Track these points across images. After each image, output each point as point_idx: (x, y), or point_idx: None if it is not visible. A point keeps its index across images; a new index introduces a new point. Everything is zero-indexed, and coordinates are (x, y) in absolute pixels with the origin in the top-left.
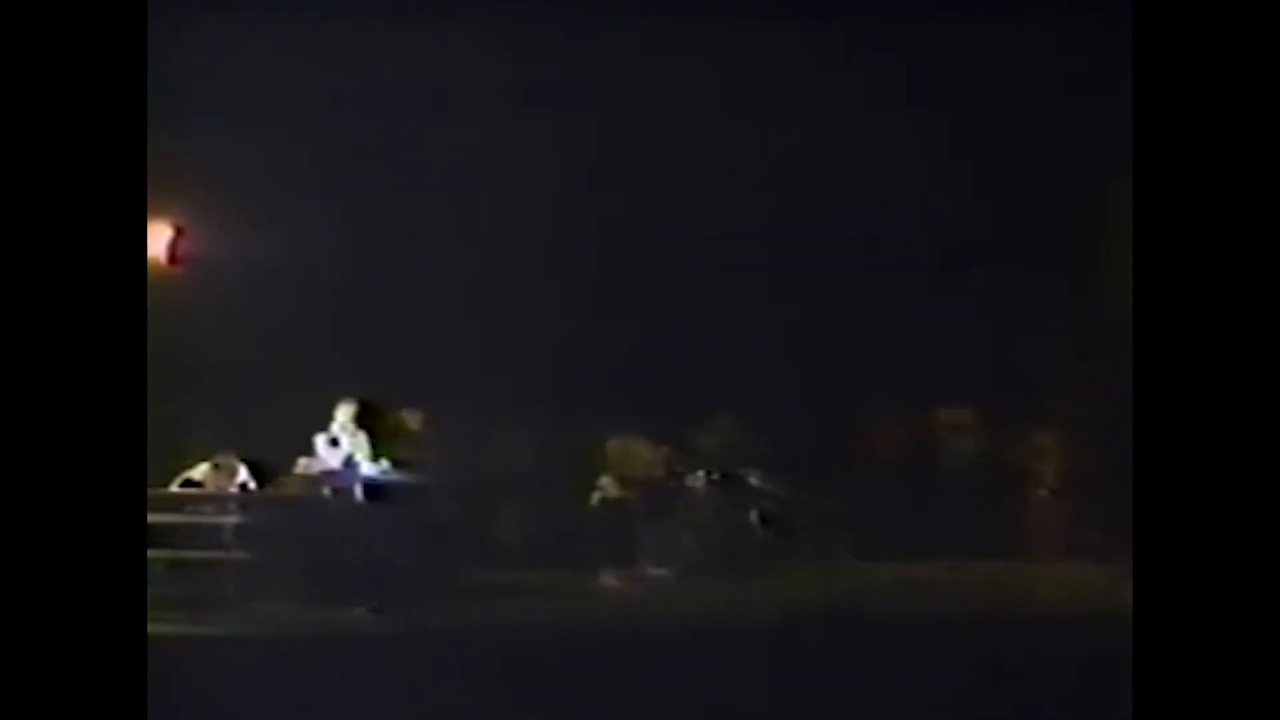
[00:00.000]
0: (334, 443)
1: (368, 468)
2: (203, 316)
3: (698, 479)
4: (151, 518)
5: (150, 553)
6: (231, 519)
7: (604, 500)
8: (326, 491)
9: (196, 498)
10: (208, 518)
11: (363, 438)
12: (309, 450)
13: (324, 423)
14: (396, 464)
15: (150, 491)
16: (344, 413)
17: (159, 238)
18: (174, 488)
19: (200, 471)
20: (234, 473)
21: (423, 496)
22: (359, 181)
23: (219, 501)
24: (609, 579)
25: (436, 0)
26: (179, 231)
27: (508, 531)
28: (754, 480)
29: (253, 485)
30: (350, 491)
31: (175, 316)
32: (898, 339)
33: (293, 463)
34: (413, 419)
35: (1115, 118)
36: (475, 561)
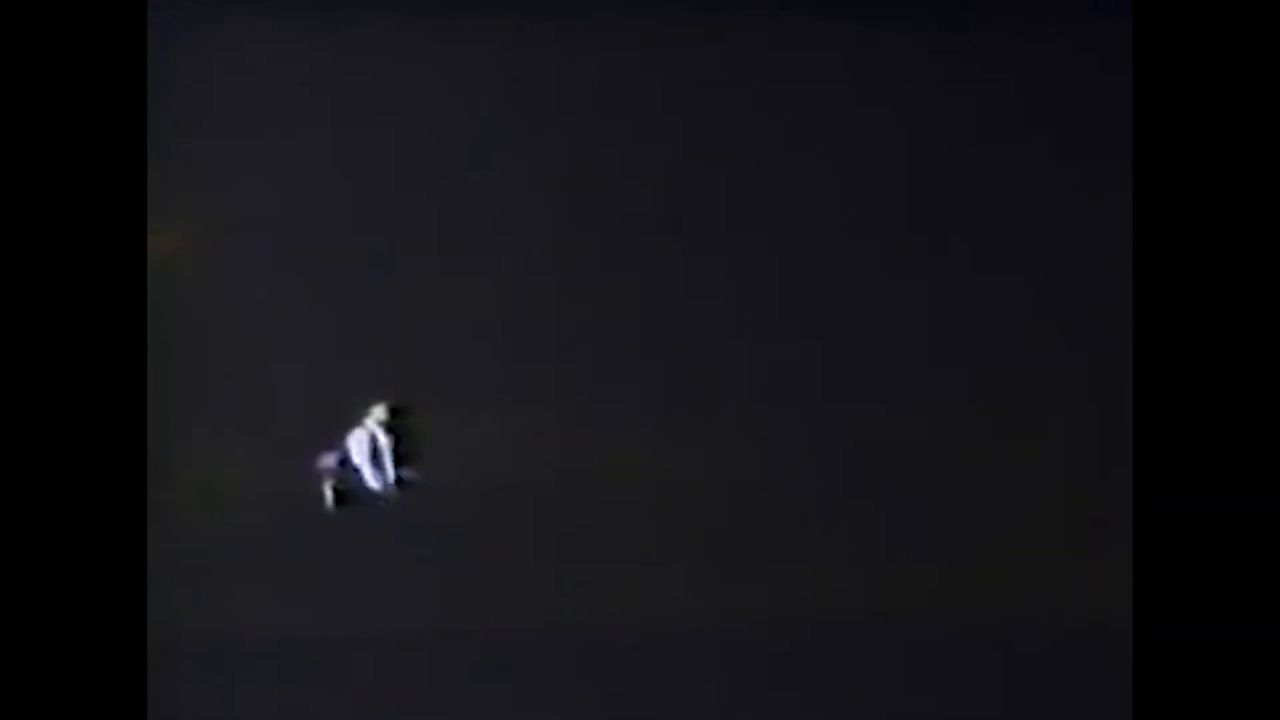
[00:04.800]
0: (371, 440)
1: (390, 467)
2: (206, 317)
3: (697, 475)
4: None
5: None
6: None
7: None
8: (328, 489)
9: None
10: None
11: (385, 438)
12: (304, 446)
13: (323, 422)
14: (402, 465)
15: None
16: (376, 412)
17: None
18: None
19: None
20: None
21: (432, 497)
22: (364, 182)
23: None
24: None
25: (441, 0)
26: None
27: (515, 532)
28: (751, 478)
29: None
30: (358, 487)
31: (178, 317)
32: (898, 338)
33: (290, 459)
34: (427, 420)
35: (1116, 118)
36: (482, 561)
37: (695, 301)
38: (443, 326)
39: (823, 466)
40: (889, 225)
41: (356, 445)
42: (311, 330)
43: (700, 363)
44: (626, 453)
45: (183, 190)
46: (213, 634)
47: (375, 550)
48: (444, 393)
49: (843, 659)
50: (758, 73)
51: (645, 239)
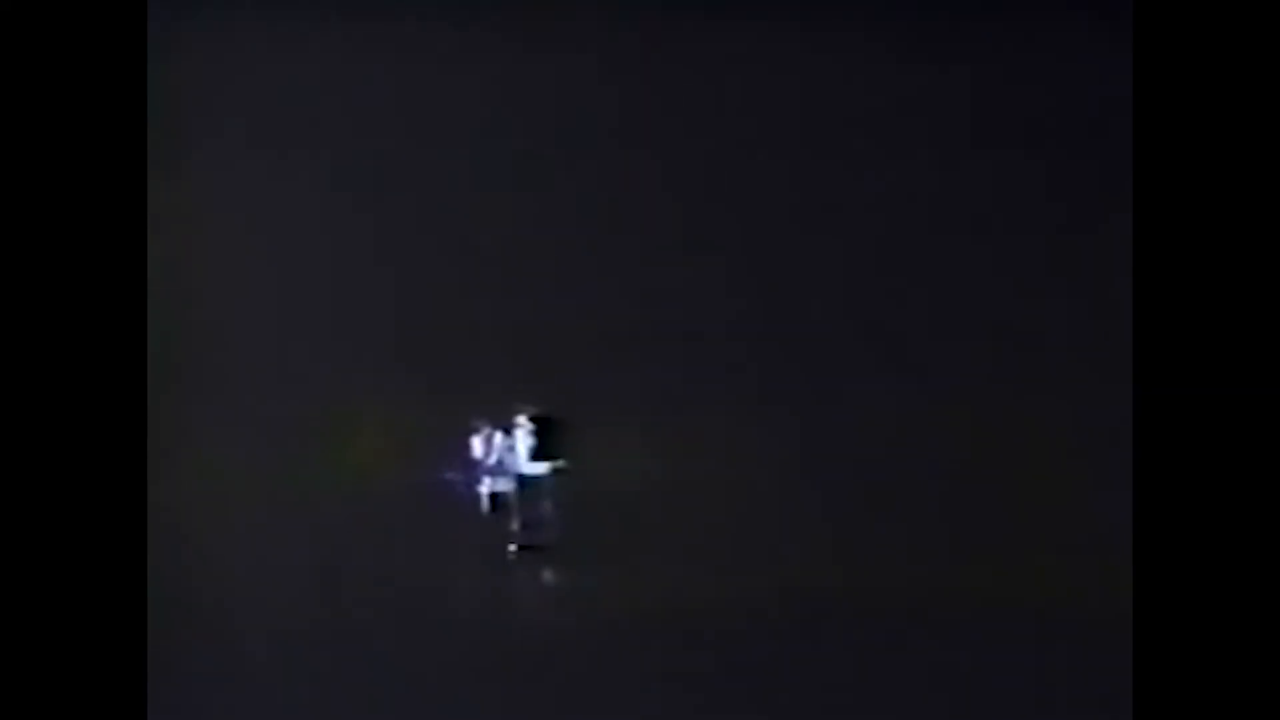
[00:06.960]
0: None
1: (525, 466)
2: (206, 317)
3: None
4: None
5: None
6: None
7: None
8: (484, 488)
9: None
10: None
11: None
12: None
13: (323, 422)
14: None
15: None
16: (522, 419)
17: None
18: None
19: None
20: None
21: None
22: (365, 182)
23: None
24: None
25: (446, 3)
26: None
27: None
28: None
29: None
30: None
31: (178, 316)
32: (897, 338)
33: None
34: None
35: (1115, 118)
36: (491, 561)
37: (688, 298)
38: (441, 326)
39: (819, 463)
40: (888, 224)
41: (505, 445)
42: (311, 330)
43: (692, 354)
44: (629, 449)
45: (183, 190)
46: (213, 634)
47: (377, 550)
48: (441, 393)
49: (841, 657)
50: (757, 73)
51: (653, 241)
